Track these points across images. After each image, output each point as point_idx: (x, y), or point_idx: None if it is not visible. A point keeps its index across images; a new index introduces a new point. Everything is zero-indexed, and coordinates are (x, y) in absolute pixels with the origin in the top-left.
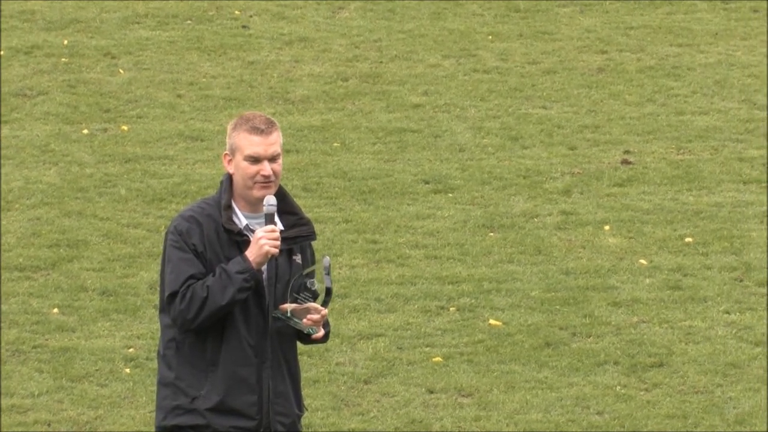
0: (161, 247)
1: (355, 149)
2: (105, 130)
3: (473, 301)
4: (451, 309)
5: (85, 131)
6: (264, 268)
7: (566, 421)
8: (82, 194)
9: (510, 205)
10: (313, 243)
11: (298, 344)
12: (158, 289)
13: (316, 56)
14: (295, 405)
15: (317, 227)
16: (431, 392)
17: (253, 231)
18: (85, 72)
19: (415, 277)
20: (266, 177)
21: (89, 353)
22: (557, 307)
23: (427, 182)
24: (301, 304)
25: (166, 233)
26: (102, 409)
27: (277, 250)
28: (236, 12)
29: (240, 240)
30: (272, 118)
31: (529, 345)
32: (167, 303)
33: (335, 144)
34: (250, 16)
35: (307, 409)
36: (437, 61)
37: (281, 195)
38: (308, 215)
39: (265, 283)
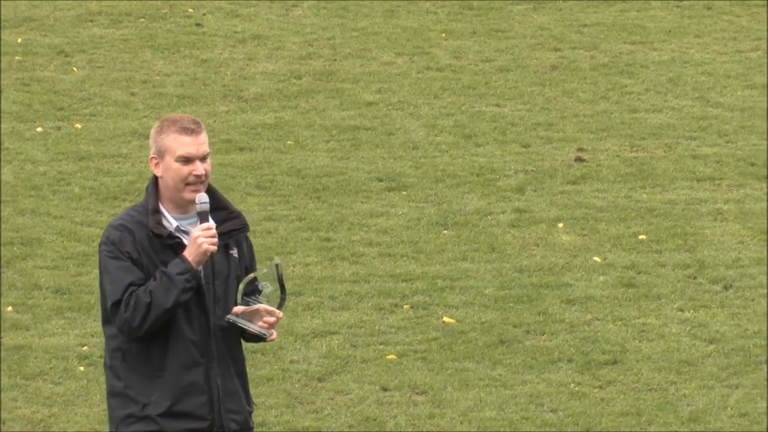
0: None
1: (309, 147)
2: (59, 128)
3: (427, 298)
4: (404, 307)
5: (39, 129)
6: (200, 267)
7: (520, 418)
8: (35, 192)
9: (463, 202)
10: (268, 241)
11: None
12: (99, 300)
13: (270, 54)
14: (245, 401)
15: (271, 225)
16: (385, 390)
17: (184, 232)
18: (39, 70)
19: (369, 275)
20: (199, 177)
21: (43, 351)
22: (511, 304)
23: (380, 180)
24: (250, 306)
25: (99, 245)
26: (56, 407)
27: (215, 248)
28: (189, 10)
29: (172, 243)
30: (197, 119)
31: (482, 343)
32: (111, 313)
33: (289, 142)
34: (204, 14)
35: (255, 404)
36: (391, 59)
37: (210, 192)
38: (238, 208)
39: (203, 281)
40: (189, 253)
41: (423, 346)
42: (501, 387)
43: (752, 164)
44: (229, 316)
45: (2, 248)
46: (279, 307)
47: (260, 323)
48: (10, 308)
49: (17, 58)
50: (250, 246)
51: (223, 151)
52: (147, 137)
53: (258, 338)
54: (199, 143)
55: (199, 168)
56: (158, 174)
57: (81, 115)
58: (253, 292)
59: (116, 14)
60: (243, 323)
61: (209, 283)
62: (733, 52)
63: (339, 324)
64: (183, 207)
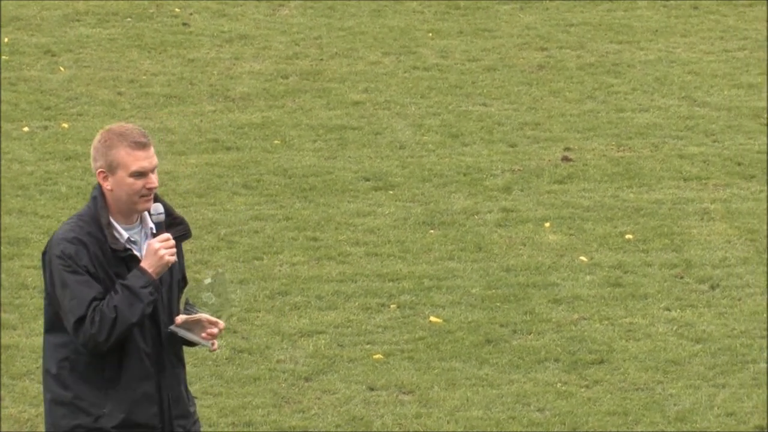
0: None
1: (296, 146)
2: (45, 127)
3: (414, 298)
4: (391, 306)
5: (26, 129)
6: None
7: (507, 418)
8: (22, 192)
9: (450, 202)
10: (255, 240)
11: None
12: (45, 309)
13: (257, 54)
14: (188, 403)
15: (257, 225)
16: (372, 389)
17: (133, 242)
18: (26, 70)
19: (356, 275)
20: (152, 189)
21: (30, 351)
22: (498, 304)
23: (367, 179)
24: (192, 314)
25: (48, 257)
26: (43, 406)
27: (175, 258)
28: (176, 9)
29: (125, 255)
30: (142, 128)
31: (469, 342)
32: (74, 329)
33: (276, 141)
34: (191, 14)
35: (196, 397)
36: (377, 59)
37: (155, 199)
38: (181, 214)
39: None
40: (149, 265)
41: (410, 345)
42: (488, 386)
43: (739, 164)
44: (171, 327)
45: None
46: (222, 317)
47: (204, 334)
48: None
49: (4, 57)
50: (181, 250)
51: (210, 150)
52: None
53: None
54: (151, 156)
55: (153, 180)
56: (108, 187)
57: (68, 115)
58: (194, 303)
59: (103, 14)
60: (185, 334)
61: (159, 293)
62: (719, 52)
63: (326, 323)
64: (131, 217)
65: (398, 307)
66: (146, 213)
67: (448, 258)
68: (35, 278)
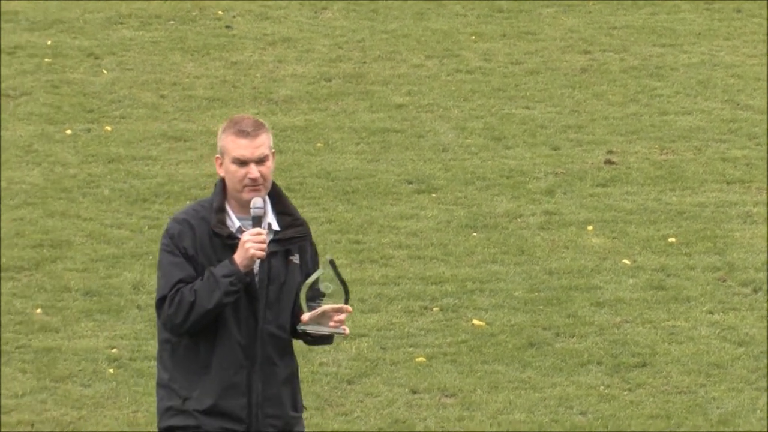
0: (144, 248)
1: (339, 149)
2: (88, 130)
3: (456, 301)
4: (434, 309)
5: (69, 131)
6: (256, 269)
7: (549, 421)
8: (65, 194)
9: (493, 205)
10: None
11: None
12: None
13: (300, 56)
14: (290, 406)
15: None
16: (414, 392)
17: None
18: (69, 72)
19: (399, 278)
20: (253, 180)
21: (72, 353)
22: (540, 307)
23: (410, 182)
24: (315, 310)
25: (162, 236)
26: (85, 409)
27: (263, 254)
28: (219, 12)
29: (231, 243)
30: (261, 120)
31: (512, 345)
32: (157, 307)
33: (318, 144)
34: (234, 17)
35: (306, 408)
36: (420, 62)
37: (276, 195)
38: (303, 216)
39: (257, 285)
40: (238, 257)
41: (452, 348)
42: (530, 390)
43: None
44: (299, 326)
45: (32, 250)
46: (345, 302)
47: (331, 323)
48: (39, 310)
49: (47, 60)
50: (314, 253)
51: None
52: (176, 139)
53: (327, 339)
54: (255, 146)
55: (254, 171)
56: (220, 173)
57: (111, 118)
58: (315, 297)
59: (146, 17)
60: (315, 329)
61: (263, 287)
62: (762, 55)
63: (368, 326)
64: (246, 207)
65: (441, 310)
66: (269, 206)
67: (491, 261)
68: (78, 281)
